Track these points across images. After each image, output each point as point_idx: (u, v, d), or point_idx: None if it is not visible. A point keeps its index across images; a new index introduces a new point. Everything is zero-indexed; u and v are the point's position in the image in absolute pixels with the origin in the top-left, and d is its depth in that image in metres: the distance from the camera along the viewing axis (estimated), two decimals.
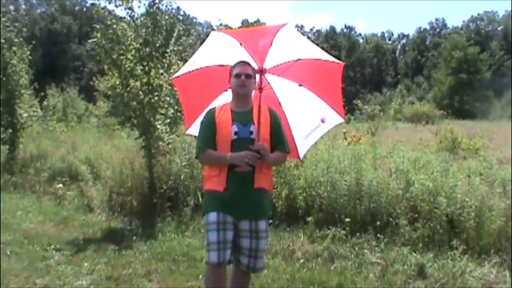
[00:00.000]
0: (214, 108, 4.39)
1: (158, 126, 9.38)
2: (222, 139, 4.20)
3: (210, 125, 4.27)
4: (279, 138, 4.36)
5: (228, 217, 4.13)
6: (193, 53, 10.74)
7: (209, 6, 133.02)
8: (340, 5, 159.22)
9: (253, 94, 4.36)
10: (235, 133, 4.19)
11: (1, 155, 15.36)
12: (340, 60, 4.71)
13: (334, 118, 4.57)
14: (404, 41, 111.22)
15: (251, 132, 4.20)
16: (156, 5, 9.32)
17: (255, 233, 4.23)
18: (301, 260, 6.53)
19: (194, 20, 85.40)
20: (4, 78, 14.67)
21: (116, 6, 9.25)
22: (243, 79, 4.20)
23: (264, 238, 4.32)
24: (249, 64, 4.31)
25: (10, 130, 15.04)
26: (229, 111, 4.28)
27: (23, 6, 78.45)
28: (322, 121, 4.53)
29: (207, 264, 4.24)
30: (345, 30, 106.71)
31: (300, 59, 4.37)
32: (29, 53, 15.47)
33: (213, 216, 4.14)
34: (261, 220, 4.26)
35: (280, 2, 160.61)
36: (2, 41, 14.52)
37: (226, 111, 4.30)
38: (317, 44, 4.68)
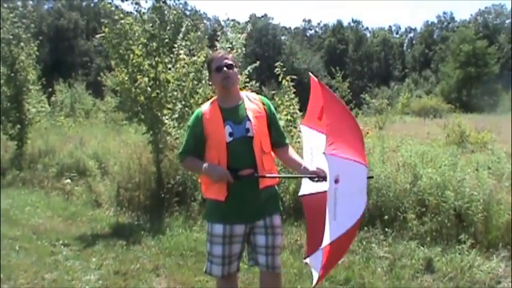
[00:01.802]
0: (200, 110, 4.00)
1: (166, 121, 9.38)
2: (216, 143, 3.85)
3: (194, 131, 3.95)
4: (278, 130, 4.06)
5: (237, 228, 3.89)
6: (202, 47, 10.72)
7: (217, 2, 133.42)
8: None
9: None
10: (230, 134, 3.82)
11: (10, 151, 15.46)
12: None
13: None
14: (411, 34, 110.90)
15: (248, 130, 3.83)
16: (163, 0, 9.32)
17: (271, 228, 3.96)
18: None
19: (204, 15, 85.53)
20: (12, 74, 14.75)
21: (122, 1, 9.28)
22: (226, 71, 3.86)
23: (279, 234, 4.03)
24: (227, 53, 4.06)
25: (18, 126, 15.15)
26: (217, 110, 3.90)
27: (31, 2, 78.48)
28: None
29: (208, 275, 4.16)
30: (352, 24, 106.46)
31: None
32: (36, 48, 15.50)
33: (218, 229, 3.91)
34: (274, 214, 3.99)
35: None
36: (10, 36, 14.59)
37: (214, 110, 3.91)
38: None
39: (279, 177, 4.13)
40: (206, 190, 4.02)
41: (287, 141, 4.15)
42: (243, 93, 4.08)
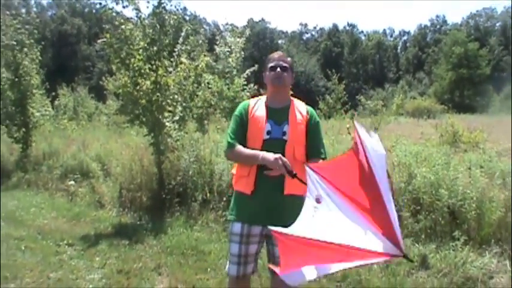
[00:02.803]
0: (248, 102, 4.01)
1: (166, 124, 9.38)
2: (253, 137, 3.82)
3: (241, 120, 3.89)
4: (315, 141, 3.91)
5: (255, 229, 3.82)
6: (202, 52, 10.68)
7: (216, 7, 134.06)
8: (342, 3, 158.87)
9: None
10: (268, 132, 3.79)
11: (14, 154, 15.48)
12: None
13: None
14: (405, 37, 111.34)
15: (284, 133, 3.78)
16: (163, 5, 9.31)
17: None
18: None
19: (203, 20, 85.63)
20: (16, 79, 14.81)
21: (123, 7, 9.27)
22: (279, 71, 3.85)
23: None
24: (285, 56, 4.00)
25: (23, 129, 15.17)
26: (264, 107, 3.90)
27: (34, 9, 78.60)
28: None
29: (227, 275, 4.05)
30: (347, 27, 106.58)
31: None
32: (39, 53, 15.54)
33: (237, 227, 3.87)
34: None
35: (284, 0, 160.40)
36: (13, 42, 14.63)
37: (261, 106, 3.91)
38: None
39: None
40: (236, 183, 3.96)
41: (322, 156, 3.90)
42: (294, 100, 4.01)
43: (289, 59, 4.00)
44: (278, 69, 3.86)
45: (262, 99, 3.99)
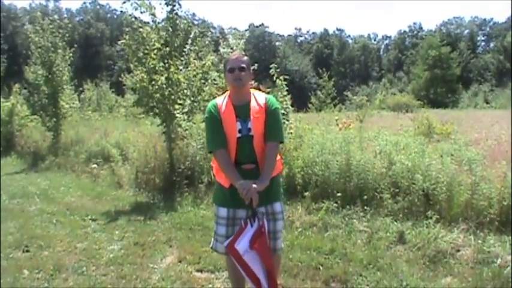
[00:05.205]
0: (215, 102, 3.75)
1: (177, 115, 9.38)
2: (228, 137, 3.62)
3: (216, 120, 3.64)
4: (271, 126, 3.66)
5: (239, 212, 3.68)
6: (209, 52, 10.59)
7: (221, 12, 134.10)
8: (332, 11, 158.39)
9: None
10: (239, 131, 3.60)
11: (47, 140, 15.61)
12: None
13: None
14: (387, 41, 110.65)
15: (249, 129, 3.61)
16: (175, 11, 9.29)
17: (272, 215, 3.73)
18: (300, 229, 6.50)
19: (210, 24, 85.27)
20: (50, 76, 15.06)
21: (141, 12, 9.25)
22: (238, 72, 3.61)
23: (280, 220, 3.79)
24: (242, 55, 3.79)
25: (54, 119, 15.38)
26: (231, 106, 3.65)
27: (65, 15, 78.19)
28: None
29: (213, 251, 4.01)
30: (336, 32, 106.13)
31: None
32: (71, 54, 15.70)
33: (223, 211, 3.74)
34: (275, 202, 3.76)
35: (281, 7, 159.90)
36: (49, 44, 14.87)
37: (228, 106, 3.66)
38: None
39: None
40: (216, 174, 3.84)
41: (276, 138, 3.69)
42: (253, 92, 3.79)
43: (245, 58, 3.77)
44: (236, 70, 3.63)
45: (226, 96, 3.75)
